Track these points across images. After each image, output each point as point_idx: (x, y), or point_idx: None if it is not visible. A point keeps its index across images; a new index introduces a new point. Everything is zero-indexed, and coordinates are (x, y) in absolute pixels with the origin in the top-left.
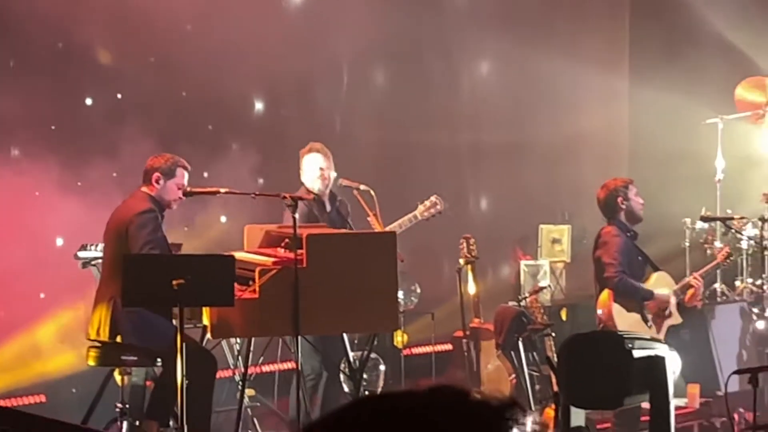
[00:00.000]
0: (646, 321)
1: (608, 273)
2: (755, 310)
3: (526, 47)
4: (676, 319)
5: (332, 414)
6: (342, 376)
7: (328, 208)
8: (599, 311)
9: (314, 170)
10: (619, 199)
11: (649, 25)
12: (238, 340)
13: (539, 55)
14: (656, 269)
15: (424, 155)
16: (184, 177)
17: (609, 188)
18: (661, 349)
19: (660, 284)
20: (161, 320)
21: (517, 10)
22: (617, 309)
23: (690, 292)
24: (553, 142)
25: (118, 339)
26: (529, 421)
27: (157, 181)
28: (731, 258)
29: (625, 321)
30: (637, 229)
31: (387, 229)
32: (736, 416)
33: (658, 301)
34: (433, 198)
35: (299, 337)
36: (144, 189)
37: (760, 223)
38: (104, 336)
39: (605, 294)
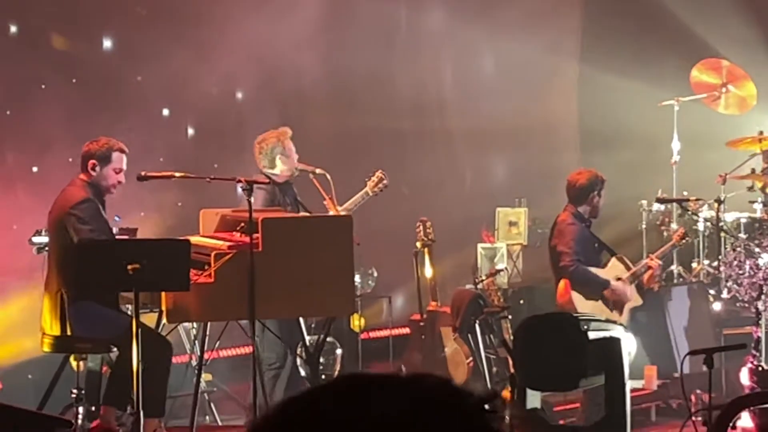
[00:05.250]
0: (607, 305)
1: (564, 262)
2: (711, 291)
3: (486, 35)
4: (636, 300)
5: (315, 389)
6: (299, 360)
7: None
8: (559, 301)
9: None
10: (594, 193)
11: (603, 9)
12: (195, 324)
13: (499, 42)
14: (613, 254)
15: (385, 141)
16: (121, 161)
17: (589, 178)
18: (617, 331)
19: (616, 269)
20: (108, 311)
21: None
22: (576, 297)
23: (648, 273)
24: (510, 127)
25: (68, 332)
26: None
27: (93, 168)
28: (687, 239)
29: (586, 307)
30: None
31: (341, 208)
32: (693, 397)
33: (613, 291)
34: (378, 173)
35: (261, 325)
36: (82, 176)
37: (716, 204)
38: (55, 331)
39: (562, 284)
